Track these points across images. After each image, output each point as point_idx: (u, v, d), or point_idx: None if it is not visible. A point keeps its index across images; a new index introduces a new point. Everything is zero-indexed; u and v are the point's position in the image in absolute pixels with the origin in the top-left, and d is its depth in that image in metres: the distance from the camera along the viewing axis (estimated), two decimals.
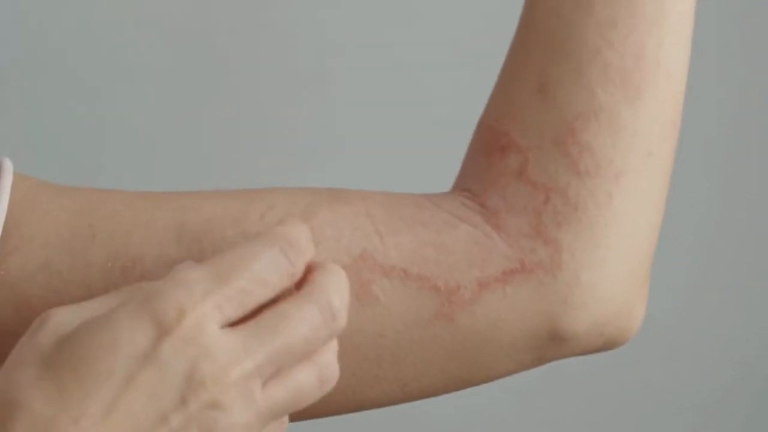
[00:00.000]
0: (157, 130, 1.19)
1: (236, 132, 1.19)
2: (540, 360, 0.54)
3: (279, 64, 1.18)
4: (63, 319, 0.44)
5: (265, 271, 0.45)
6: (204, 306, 0.43)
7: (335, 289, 0.46)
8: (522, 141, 0.54)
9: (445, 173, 1.22)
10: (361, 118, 1.20)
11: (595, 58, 0.53)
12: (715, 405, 1.32)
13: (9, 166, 0.54)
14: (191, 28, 1.17)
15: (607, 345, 0.55)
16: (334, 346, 0.46)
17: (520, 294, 0.52)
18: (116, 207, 0.53)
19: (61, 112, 1.17)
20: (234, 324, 0.44)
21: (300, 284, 0.46)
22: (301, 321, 0.45)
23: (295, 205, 0.53)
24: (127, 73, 1.16)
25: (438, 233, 0.53)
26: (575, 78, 0.54)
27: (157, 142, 1.19)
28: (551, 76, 0.54)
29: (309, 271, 0.47)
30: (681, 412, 1.31)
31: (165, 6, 1.16)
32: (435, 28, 1.19)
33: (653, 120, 0.54)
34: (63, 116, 1.17)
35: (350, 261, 0.52)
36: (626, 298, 0.54)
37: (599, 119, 0.53)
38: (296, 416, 0.47)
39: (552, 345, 0.54)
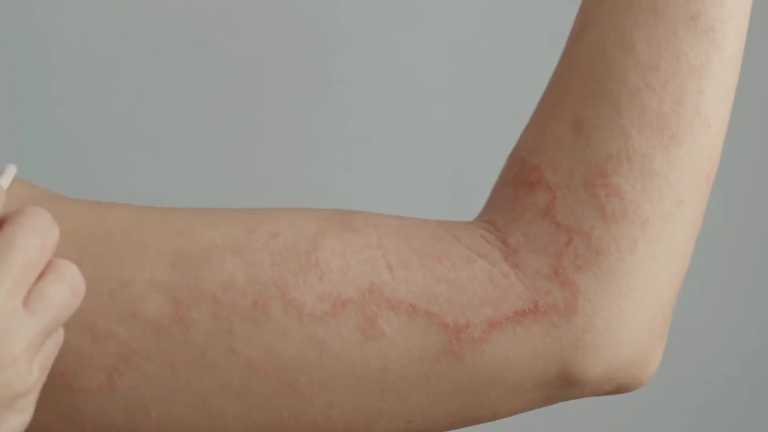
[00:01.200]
0: (156, 130, 1.18)
1: (236, 132, 1.19)
2: (548, 400, 0.54)
3: (279, 64, 1.18)
4: None
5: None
6: None
7: (36, 209, 0.47)
8: (552, 178, 0.53)
9: (445, 174, 1.22)
10: (361, 119, 1.20)
11: (634, 100, 0.52)
12: (717, 403, 1.32)
13: (13, 169, 0.54)
14: (191, 28, 1.17)
15: (619, 389, 0.54)
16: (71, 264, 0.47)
17: (531, 335, 0.52)
18: (111, 229, 0.53)
19: (61, 112, 1.17)
20: None
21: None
22: (26, 232, 0.45)
23: (301, 234, 0.53)
24: (127, 73, 1.16)
25: (453, 269, 0.52)
26: (612, 118, 0.52)
27: (157, 142, 1.19)
28: (588, 114, 0.53)
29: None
30: (683, 410, 1.31)
31: (165, 6, 1.16)
32: (435, 27, 1.19)
33: (687, 168, 0.53)
34: (63, 116, 1.17)
35: (357, 294, 0.52)
36: (642, 346, 0.53)
37: (631, 162, 0.52)
38: None
39: (561, 387, 0.53)
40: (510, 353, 0.52)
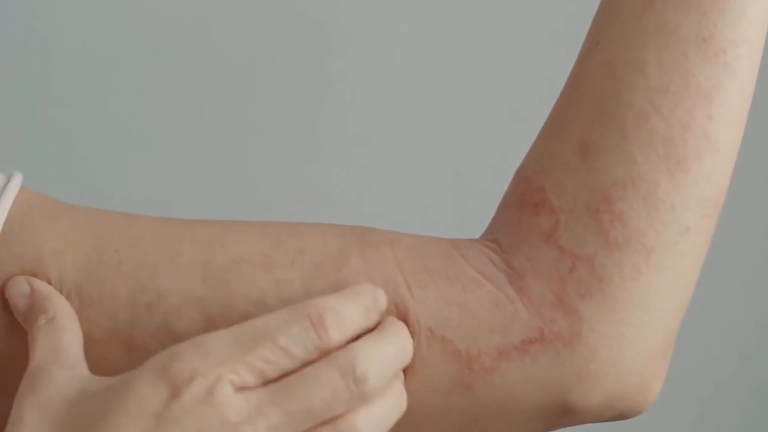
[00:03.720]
0: (156, 130, 1.18)
1: (236, 132, 1.19)
2: (550, 427, 0.53)
3: (279, 64, 1.18)
4: (65, 381, 0.45)
5: (290, 343, 0.45)
6: (220, 369, 0.43)
7: (368, 353, 0.46)
8: (556, 201, 0.51)
9: (445, 174, 1.22)
10: (361, 119, 1.20)
11: (641, 124, 0.50)
12: (716, 402, 1.32)
13: (19, 177, 0.53)
14: (191, 28, 1.17)
15: (620, 416, 0.53)
16: (366, 414, 0.46)
17: (537, 365, 0.50)
18: (141, 234, 0.52)
19: (61, 112, 1.17)
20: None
21: None
22: (319, 383, 0.44)
23: (326, 251, 0.51)
24: (127, 73, 1.16)
25: (462, 291, 0.51)
26: (618, 142, 0.51)
27: (157, 142, 1.19)
28: (595, 137, 0.51)
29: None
30: (683, 409, 1.31)
31: (165, 6, 1.16)
32: (435, 27, 1.19)
33: (694, 195, 0.51)
34: (63, 116, 1.17)
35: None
36: (644, 375, 0.52)
37: (636, 189, 0.50)
38: None
39: (562, 416, 0.52)
40: (517, 384, 0.50)
